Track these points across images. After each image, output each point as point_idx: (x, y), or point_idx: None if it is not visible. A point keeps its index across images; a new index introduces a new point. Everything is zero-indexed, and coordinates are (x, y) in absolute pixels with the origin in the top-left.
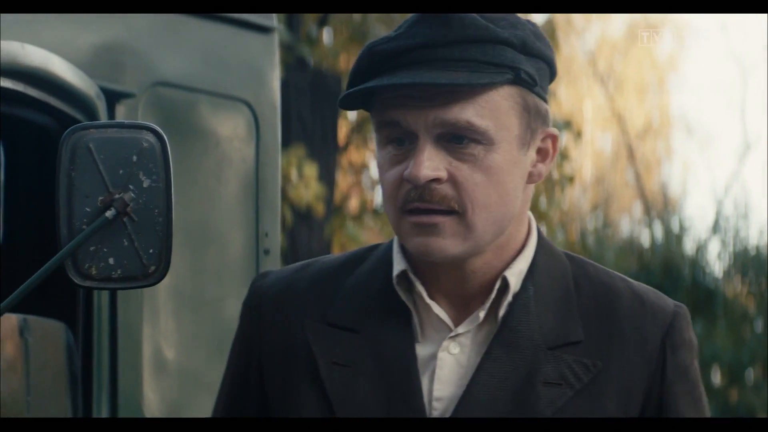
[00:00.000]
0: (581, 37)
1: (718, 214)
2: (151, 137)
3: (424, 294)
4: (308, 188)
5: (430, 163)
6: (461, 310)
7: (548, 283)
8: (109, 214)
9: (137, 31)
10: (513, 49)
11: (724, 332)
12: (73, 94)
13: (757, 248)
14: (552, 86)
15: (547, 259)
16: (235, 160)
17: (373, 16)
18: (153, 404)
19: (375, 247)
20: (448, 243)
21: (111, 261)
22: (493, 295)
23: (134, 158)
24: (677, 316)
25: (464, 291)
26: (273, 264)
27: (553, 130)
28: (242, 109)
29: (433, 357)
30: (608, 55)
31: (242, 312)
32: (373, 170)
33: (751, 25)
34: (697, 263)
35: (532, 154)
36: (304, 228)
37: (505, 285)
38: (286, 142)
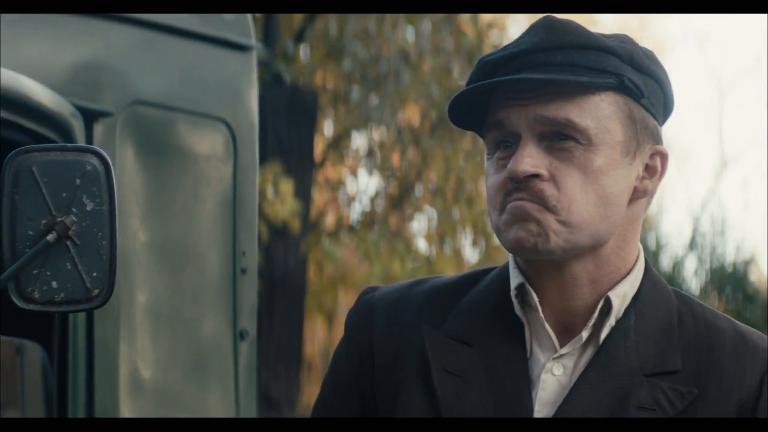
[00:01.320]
0: None
1: (694, 230)
2: (95, 160)
3: (539, 308)
4: (284, 204)
5: (530, 159)
6: (566, 331)
7: (651, 313)
8: (50, 237)
9: (115, 49)
10: (618, 58)
11: None
12: (46, 115)
13: (734, 265)
14: None
15: (653, 289)
16: (213, 178)
17: (349, 33)
18: None
19: (489, 269)
20: (543, 234)
21: (54, 284)
22: (596, 314)
23: (77, 181)
24: None
25: (567, 305)
26: (250, 283)
27: (663, 149)
28: (220, 127)
29: (538, 377)
30: None
31: (349, 321)
32: (350, 187)
33: (729, 42)
34: (674, 280)
35: (638, 167)
36: (280, 244)
37: (608, 306)
38: (263, 159)
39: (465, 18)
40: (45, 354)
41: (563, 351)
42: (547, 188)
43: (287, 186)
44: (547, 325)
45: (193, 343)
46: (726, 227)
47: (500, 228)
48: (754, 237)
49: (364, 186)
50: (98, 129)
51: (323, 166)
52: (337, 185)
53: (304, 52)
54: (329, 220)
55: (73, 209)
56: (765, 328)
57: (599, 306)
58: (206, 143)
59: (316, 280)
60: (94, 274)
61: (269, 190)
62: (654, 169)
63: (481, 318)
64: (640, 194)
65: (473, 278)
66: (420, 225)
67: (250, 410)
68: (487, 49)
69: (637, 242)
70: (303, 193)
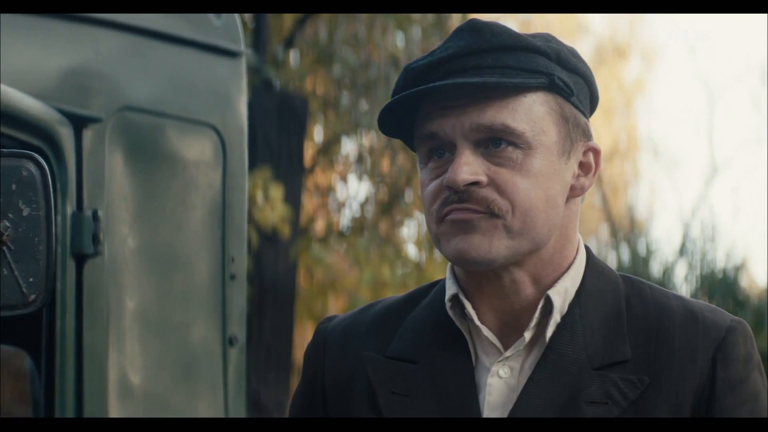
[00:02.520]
0: None
1: (685, 236)
2: (31, 166)
3: (474, 316)
4: (274, 210)
5: (469, 167)
6: (510, 333)
7: (597, 304)
8: None
9: (104, 55)
10: (547, 57)
11: None
12: (31, 124)
13: (724, 271)
14: None
15: (598, 280)
16: (202, 184)
17: (339, 39)
18: None
19: (437, 282)
20: (485, 243)
21: None
22: (537, 314)
23: (13, 186)
24: (731, 331)
25: (510, 308)
26: (239, 289)
27: (595, 145)
28: (209, 133)
29: (486, 383)
30: None
31: (306, 354)
32: (340, 192)
33: (719, 48)
34: (664, 285)
35: (573, 166)
36: (270, 250)
37: (550, 304)
38: (252, 164)
39: (455, 22)
40: (31, 360)
41: (507, 354)
42: (490, 194)
43: (277, 192)
44: (485, 332)
45: (182, 348)
46: (716, 233)
47: (440, 239)
48: (745, 243)
49: (354, 192)
50: (87, 135)
51: (313, 172)
52: (326, 191)
53: (293, 57)
54: (319, 225)
55: (9, 215)
56: (756, 334)
57: (540, 306)
58: (195, 149)
59: (306, 285)
60: (31, 279)
61: (259, 196)
62: (588, 166)
63: (425, 333)
64: (577, 192)
65: (421, 293)
66: (410, 230)
67: (238, 415)
68: None
69: (575, 239)
70: (293, 199)
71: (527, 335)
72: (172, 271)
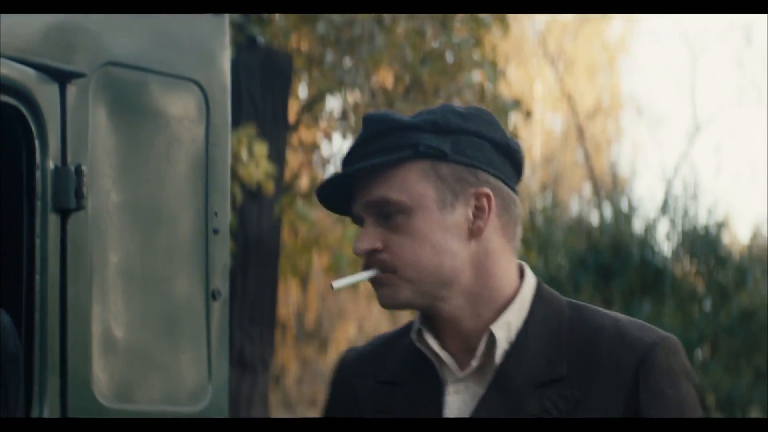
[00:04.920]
0: (531, 17)
1: (667, 194)
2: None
3: (434, 344)
4: (258, 167)
5: (366, 238)
6: (468, 356)
7: (542, 331)
8: None
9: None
10: (419, 130)
11: (672, 312)
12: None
13: (706, 228)
14: (502, 65)
15: (545, 308)
16: (185, 140)
17: None
18: (102, 383)
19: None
20: (391, 293)
21: None
22: (481, 347)
23: None
24: (655, 347)
25: (463, 336)
26: (222, 244)
27: (485, 190)
28: (193, 89)
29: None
30: (558, 36)
31: (329, 383)
32: (324, 149)
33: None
34: (646, 243)
35: (463, 213)
36: (254, 206)
37: (493, 337)
38: (237, 122)
39: None
40: (8, 316)
41: (459, 375)
42: (385, 257)
43: (261, 149)
44: (444, 356)
45: (165, 302)
46: (698, 190)
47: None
48: (727, 200)
49: (338, 148)
50: (71, 90)
51: (297, 129)
52: (311, 148)
53: (278, 14)
54: (303, 182)
55: None
56: (736, 291)
57: (484, 340)
58: (179, 104)
59: (290, 242)
60: None
61: (243, 153)
62: (482, 208)
63: (405, 360)
64: (476, 233)
65: (409, 326)
66: None
67: (222, 370)
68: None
69: (508, 271)
70: (277, 156)
71: (474, 363)
72: (155, 225)
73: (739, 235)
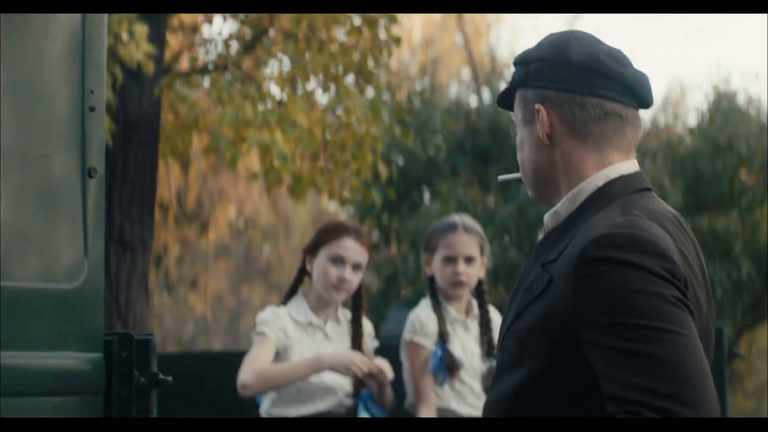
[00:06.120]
0: None
1: None
2: None
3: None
4: (138, 47)
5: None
6: None
7: (573, 224)
8: None
9: None
10: (517, 65)
11: None
12: None
13: None
14: None
15: (592, 205)
16: (62, 16)
17: None
18: None
19: None
20: (527, 190)
21: None
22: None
23: None
24: (593, 240)
25: None
26: (98, 121)
27: (538, 105)
28: None
29: None
30: None
31: None
32: (205, 31)
33: None
34: None
35: (536, 126)
36: (134, 86)
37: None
38: None
39: None
40: None
41: None
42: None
43: (141, 29)
44: None
45: (42, 180)
46: None
47: None
48: None
49: (219, 30)
50: None
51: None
52: (191, 30)
53: None
54: (183, 63)
55: None
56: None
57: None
58: None
59: (170, 123)
60: None
61: (124, 34)
62: (543, 121)
63: None
64: (546, 140)
65: None
66: (272, 69)
67: (98, 248)
68: None
69: (580, 168)
70: (157, 37)
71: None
72: (31, 102)
73: None
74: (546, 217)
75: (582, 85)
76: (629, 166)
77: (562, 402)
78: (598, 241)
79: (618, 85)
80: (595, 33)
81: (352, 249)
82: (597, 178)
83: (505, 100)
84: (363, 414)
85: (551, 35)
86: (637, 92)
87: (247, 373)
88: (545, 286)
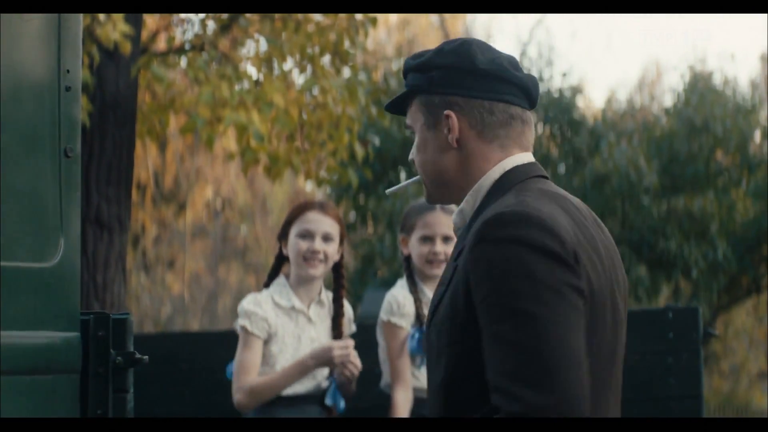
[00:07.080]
0: None
1: (522, 57)
2: None
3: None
4: (115, 27)
5: (412, 150)
6: None
7: (479, 216)
8: None
9: None
10: (414, 71)
11: None
12: None
13: (560, 91)
14: None
15: (491, 198)
16: None
17: None
18: None
19: None
20: (424, 192)
21: None
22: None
23: None
24: (487, 221)
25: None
26: (74, 101)
27: (448, 111)
28: None
29: None
30: None
31: None
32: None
33: None
34: None
35: (442, 130)
36: (111, 66)
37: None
38: None
39: None
40: None
41: None
42: (417, 166)
43: None
44: None
45: (17, 160)
46: (553, 55)
47: None
48: (582, 66)
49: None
50: None
51: None
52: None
53: None
54: (160, 43)
55: None
56: (590, 156)
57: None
58: None
59: (147, 103)
60: None
61: (100, 14)
62: (452, 125)
63: None
64: (453, 143)
65: None
66: (249, 49)
67: (74, 227)
68: None
69: (483, 168)
70: (134, 18)
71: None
72: (6, 81)
73: (594, 100)
74: (454, 217)
75: (489, 91)
76: (524, 157)
77: (484, 385)
78: (488, 222)
79: (518, 89)
80: (568, 17)
81: (318, 220)
82: (494, 172)
83: (396, 105)
84: (329, 399)
85: (448, 43)
86: (532, 95)
87: (240, 394)
88: (451, 275)
